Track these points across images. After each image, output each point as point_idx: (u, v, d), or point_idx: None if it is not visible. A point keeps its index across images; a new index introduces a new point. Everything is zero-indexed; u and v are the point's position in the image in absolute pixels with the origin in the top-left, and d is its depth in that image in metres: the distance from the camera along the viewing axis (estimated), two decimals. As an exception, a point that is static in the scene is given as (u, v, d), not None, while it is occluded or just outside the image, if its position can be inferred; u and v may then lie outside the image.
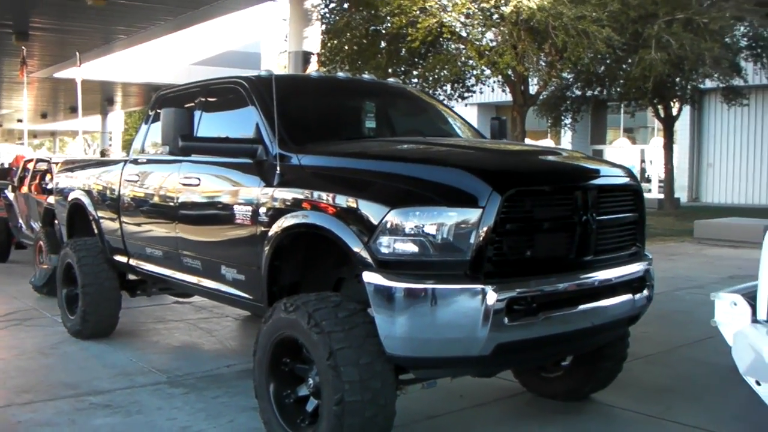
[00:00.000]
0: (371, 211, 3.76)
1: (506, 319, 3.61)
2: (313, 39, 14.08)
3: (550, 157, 4.47)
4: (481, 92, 20.24)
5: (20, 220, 11.73)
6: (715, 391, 5.48)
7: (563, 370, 5.10)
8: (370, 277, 3.69)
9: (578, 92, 23.11)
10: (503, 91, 19.10)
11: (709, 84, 21.74)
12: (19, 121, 38.98)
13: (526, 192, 3.81)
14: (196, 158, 5.22)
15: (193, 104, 5.59)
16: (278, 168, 4.40)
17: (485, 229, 3.60)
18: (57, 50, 20.24)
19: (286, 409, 4.09)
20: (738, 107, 23.25)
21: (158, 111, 6.24)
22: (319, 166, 4.39)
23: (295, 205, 4.23)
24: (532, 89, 19.48)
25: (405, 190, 3.80)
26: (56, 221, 8.61)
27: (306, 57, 13.62)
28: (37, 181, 11.24)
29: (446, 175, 3.83)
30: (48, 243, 9.80)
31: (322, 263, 4.59)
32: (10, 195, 12.14)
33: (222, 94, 5.50)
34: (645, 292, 4.41)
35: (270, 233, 4.34)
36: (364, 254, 3.74)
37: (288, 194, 4.31)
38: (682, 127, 28.49)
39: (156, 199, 5.78)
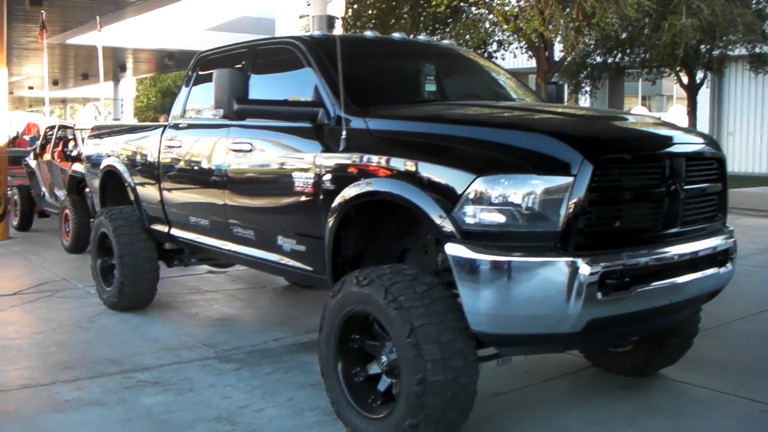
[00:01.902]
0: (454, 178, 3.50)
1: (599, 294, 3.37)
2: (338, 2, 13.67)
3: (634, 124, 4.20)
4: (503, 59, 19.82)
5: (43, 188, 11.52)
6: (782, 367, 5.27)
7: (631, 345, 4.87)
8: (454, 249, 3.45)
9: (599, 59, 22.66)
10: (529, 57, 18.65)
11: (736, 51, 21.20)
12: (30, 88, 38.63)
13: (616, 160, 3.57)
14: (246, 122, 4.96)
15: (239, 66, 5.30)
16: (344, 132, 4.13)
17: (576, 198, 3.37)
18: (69, 16, 19.88)
19: (356, 388, 3.88)
20: (762, 75, 22.75)
21: (199, 73, 5.97)
22: (390, 130, 4.11)
23: (364, 173, 3.97)
24: (557, 56, 19.05)
25: (491, 156, 3.54)
26: (87, 189, 8.38)
27: (330, 21, 13.23)
28: (60, 148, 10.99)
29: (534, 141, 3.57)
30: (74, 211, 9.61)
31: (386, 234, 4.36)
32: (32, 163, 11.91)
33: (272, 56, 5.21)
34: (729, 265, 4.16)
35: (335, 203, 4.09)
36: (447, 225, 3.50)
37: (356, 160, 4.04)
38: (702, 95, 27.99)
39: (201, 166, 5.50)
